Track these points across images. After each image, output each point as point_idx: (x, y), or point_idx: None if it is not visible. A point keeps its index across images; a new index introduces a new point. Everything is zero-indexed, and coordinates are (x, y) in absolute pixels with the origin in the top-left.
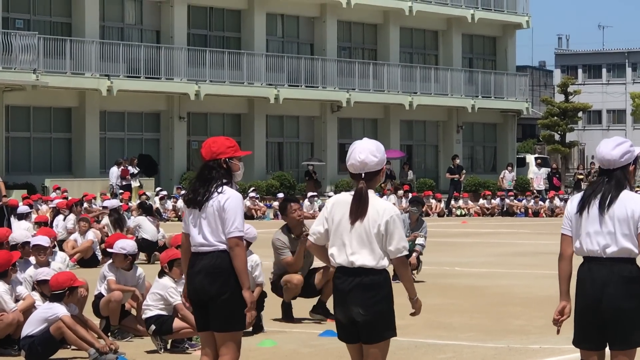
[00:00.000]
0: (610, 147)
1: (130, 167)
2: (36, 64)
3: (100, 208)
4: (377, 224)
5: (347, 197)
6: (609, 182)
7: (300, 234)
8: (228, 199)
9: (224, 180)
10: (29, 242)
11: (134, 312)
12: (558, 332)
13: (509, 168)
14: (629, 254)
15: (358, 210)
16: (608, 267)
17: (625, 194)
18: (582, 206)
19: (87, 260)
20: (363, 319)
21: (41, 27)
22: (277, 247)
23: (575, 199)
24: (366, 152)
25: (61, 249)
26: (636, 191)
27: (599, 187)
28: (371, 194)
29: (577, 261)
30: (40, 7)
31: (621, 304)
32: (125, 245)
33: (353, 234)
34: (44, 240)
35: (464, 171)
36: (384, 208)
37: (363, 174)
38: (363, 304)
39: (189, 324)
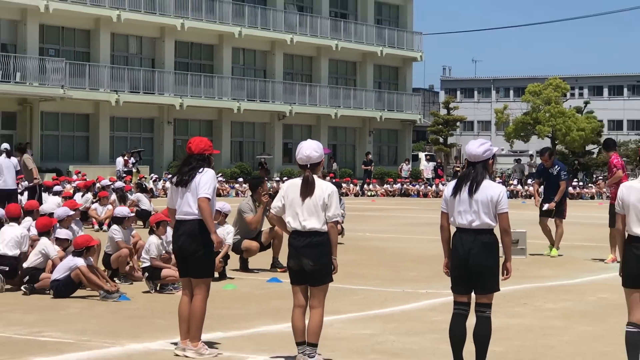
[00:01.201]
0: (476, 145)
1: (131, 159)
2: (63, 82)
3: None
4: (322, 198)
5: (297, 181)
6: (474, 172)
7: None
8: (205, 173)
9: (205, 166)
10: (53, 213)
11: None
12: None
13: (406, 162)
14: (488, 226)
15: (307, 190)
16: (473, 236)
17: (486, 183)
18: (455, 191)
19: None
20: (311, 268)
21: (67, 54)
22: (243, 209)
23: (450, 185)
24: (310, 149)
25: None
26: (499, 181)
27: (467, 176)
28: (315, 178)
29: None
30: (67, 39)
31: (482, 261)
32: (126, 211)
33: (304, 207)
34: (67, 212)
35: (373, 163)
36: (326, 186)
37: (308, 165)
38: (312, 257)
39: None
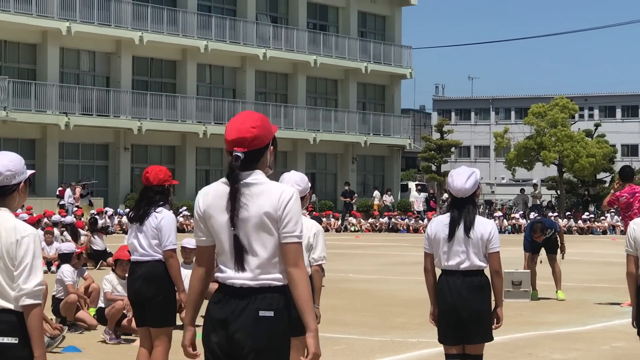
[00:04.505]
0: (463, 181)
1: (81, 190)
2: (6, 103)
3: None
4: (307, 237)
5: None
6: (466, 209)
7: None
8: (165, 217)
9: (164, 202)
10: None
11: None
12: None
13: (388, 192)
14: (478, 267)
15: None
16: (461, 279)
17: (477, 219)
18: (451, 233)
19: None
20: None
21: (10, 72)
22: None
23: (434, 222)
24: (292, 182)
25: None
26: (499, 214)
27: (459, 215)
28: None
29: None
30: (10, 55)
31: (472, 307)
32: (73, 246)
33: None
34: None
35: (355, 195)
36: (311, 224)
37: None
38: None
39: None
